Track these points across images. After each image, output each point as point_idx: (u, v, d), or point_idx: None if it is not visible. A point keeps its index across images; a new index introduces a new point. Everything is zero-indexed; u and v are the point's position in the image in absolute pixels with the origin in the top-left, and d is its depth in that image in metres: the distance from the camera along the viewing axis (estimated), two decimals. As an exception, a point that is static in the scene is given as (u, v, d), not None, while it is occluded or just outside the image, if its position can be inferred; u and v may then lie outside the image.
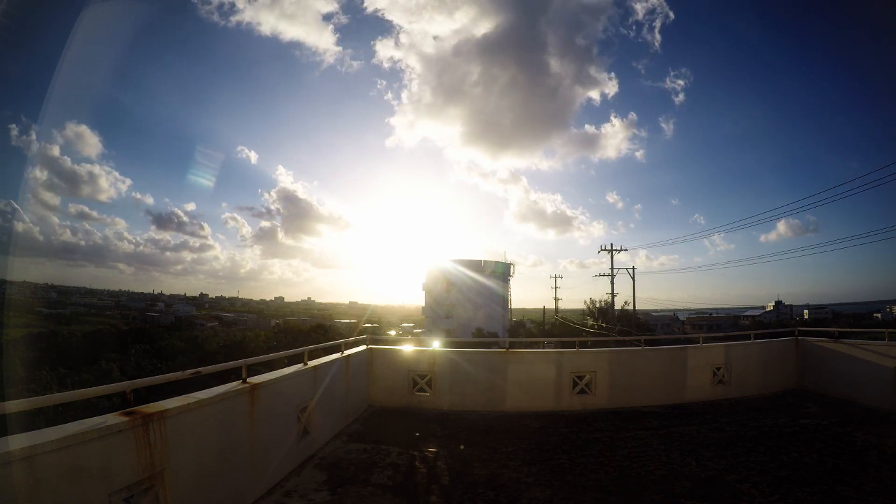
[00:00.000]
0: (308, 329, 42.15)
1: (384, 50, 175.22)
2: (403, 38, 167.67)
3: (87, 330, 46.60)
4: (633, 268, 36.81)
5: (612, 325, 37.84)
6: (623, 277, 58.38)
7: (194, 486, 3.26)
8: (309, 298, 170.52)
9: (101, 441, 2.55)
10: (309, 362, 5.34)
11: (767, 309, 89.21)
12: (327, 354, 6.25)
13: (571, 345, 8.11)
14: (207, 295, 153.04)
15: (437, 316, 57.34)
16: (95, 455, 2.52)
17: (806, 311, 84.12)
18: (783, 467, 4.81)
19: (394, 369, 7.55)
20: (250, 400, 3.97)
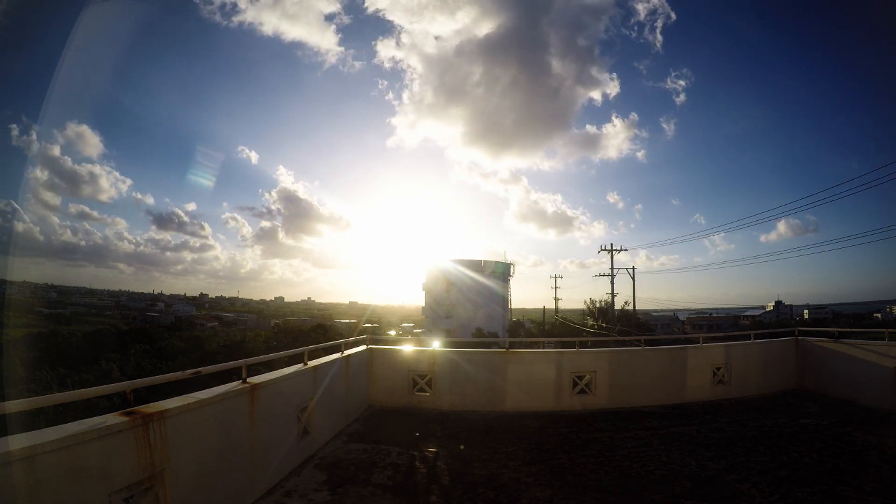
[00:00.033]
0: (308, 329, 42.17)
1: (385, 50, 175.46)
2: (405, 38, 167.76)
3: (87, 330, 46.60)
4: (633, 268, 36.87)
5: (612, 325, 37.84)
6: (623, 277, 58.39)
7: (194, 486, 3.26)
8: (309, 298, 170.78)
9: (101, 441, 2.55)
10: (309, 362, 5.34)
11: (767, 309, 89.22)
12: (327, 354, 6.24)
13: (571, 345, 8.11)
14: (207, 295, 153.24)
15: (437, 316, 57.35)
16: (95, 455, 2.52)
17: (806, 311, 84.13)
18: (783, 467, 4.81)
19: (394, 369, 7.55)
20: (250, 400, 3.97)
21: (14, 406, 2.27)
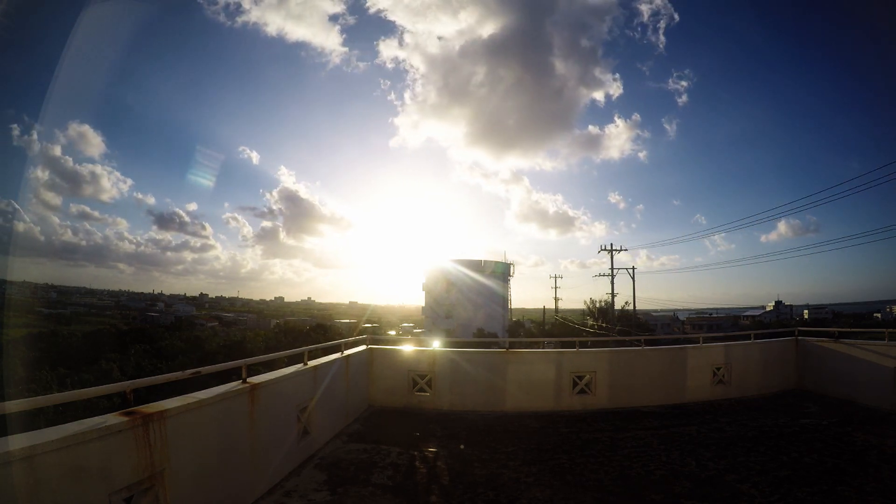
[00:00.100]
0: (308, 329, 42.18)
1: (388, 50, 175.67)
2: (408, 39, 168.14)
3: (87, 330, 46.51)
4: (634, 268, 36.90)
5: (612, 325, 37.83)
6: (623, 277, 58.32)
7: (194, 486, 3.26)
8: (309, 298, 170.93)
9: (101, 441, 2.55)
10: (309, 362, 5.34)
11: (767, 309, 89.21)
12: (327, 354, 6.24)
13: (571, 345, 8.10)
14: (207, 295, 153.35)
15: (437, 316, 57.32)
16: (95, 455, 2.52)
17: (806, 311, 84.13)
18: (783, 467, 4.81)
19: (394, 369, 7.54)
20: (250, 400, 3.97)
21: (14, 406, 2.27)
